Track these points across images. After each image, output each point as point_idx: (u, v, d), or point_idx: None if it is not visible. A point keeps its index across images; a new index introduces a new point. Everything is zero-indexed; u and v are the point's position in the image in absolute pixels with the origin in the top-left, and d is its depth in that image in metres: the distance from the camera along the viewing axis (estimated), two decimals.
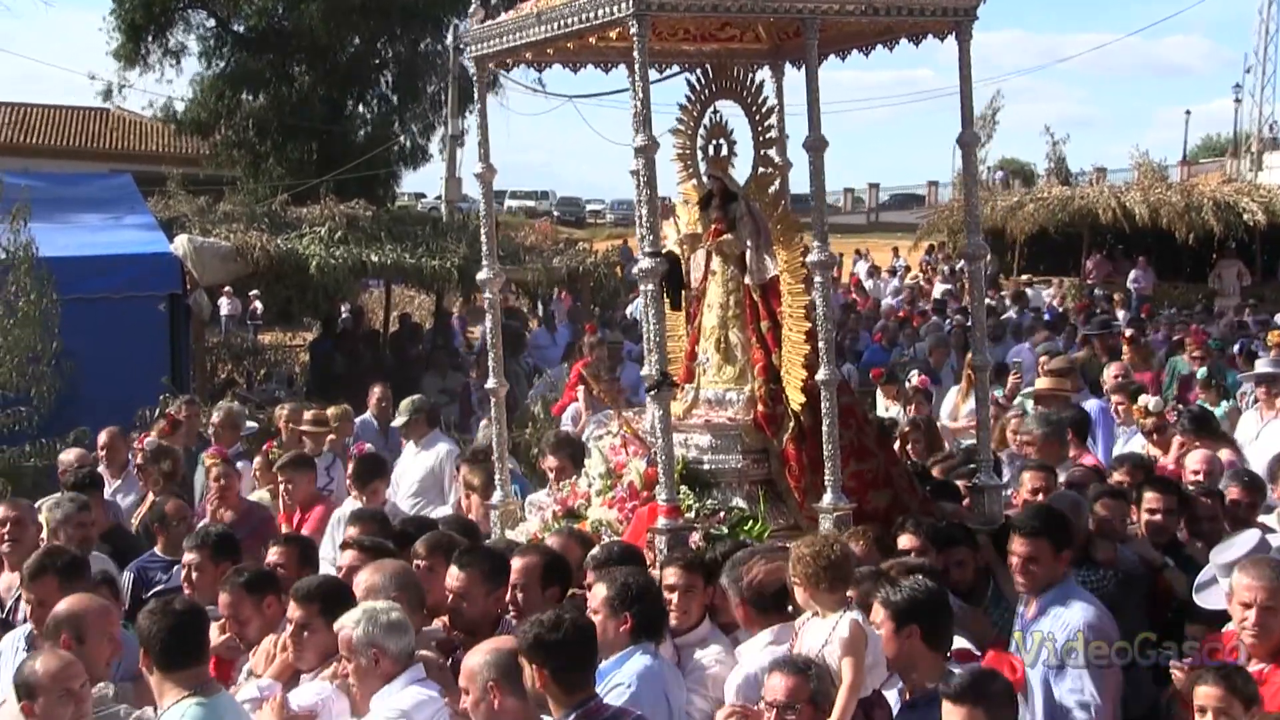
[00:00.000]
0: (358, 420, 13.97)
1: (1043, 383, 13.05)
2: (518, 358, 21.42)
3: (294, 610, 6.54)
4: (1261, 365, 13.69)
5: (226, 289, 27.48)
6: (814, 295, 8.10)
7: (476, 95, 9.65)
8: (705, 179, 8.91)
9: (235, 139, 38.50)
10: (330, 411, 13.38)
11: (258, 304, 31.97)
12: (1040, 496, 8.62)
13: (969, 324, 11.30)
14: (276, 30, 38.06)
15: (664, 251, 8.13)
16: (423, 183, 60.34)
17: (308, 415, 13.08)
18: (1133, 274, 30.95)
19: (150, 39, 38.54)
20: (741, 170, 8.92)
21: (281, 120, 37.90)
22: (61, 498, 9.43)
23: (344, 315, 25.85)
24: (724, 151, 8.85)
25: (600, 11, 7.69)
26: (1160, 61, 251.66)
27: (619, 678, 6.23)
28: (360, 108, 39.67)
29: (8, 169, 19.13)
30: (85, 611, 6.74)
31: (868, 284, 36.14)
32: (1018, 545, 6.94)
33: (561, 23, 8.07)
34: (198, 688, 5.92)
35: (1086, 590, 7.23)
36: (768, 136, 8.82)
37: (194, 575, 7.84)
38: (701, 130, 8.95)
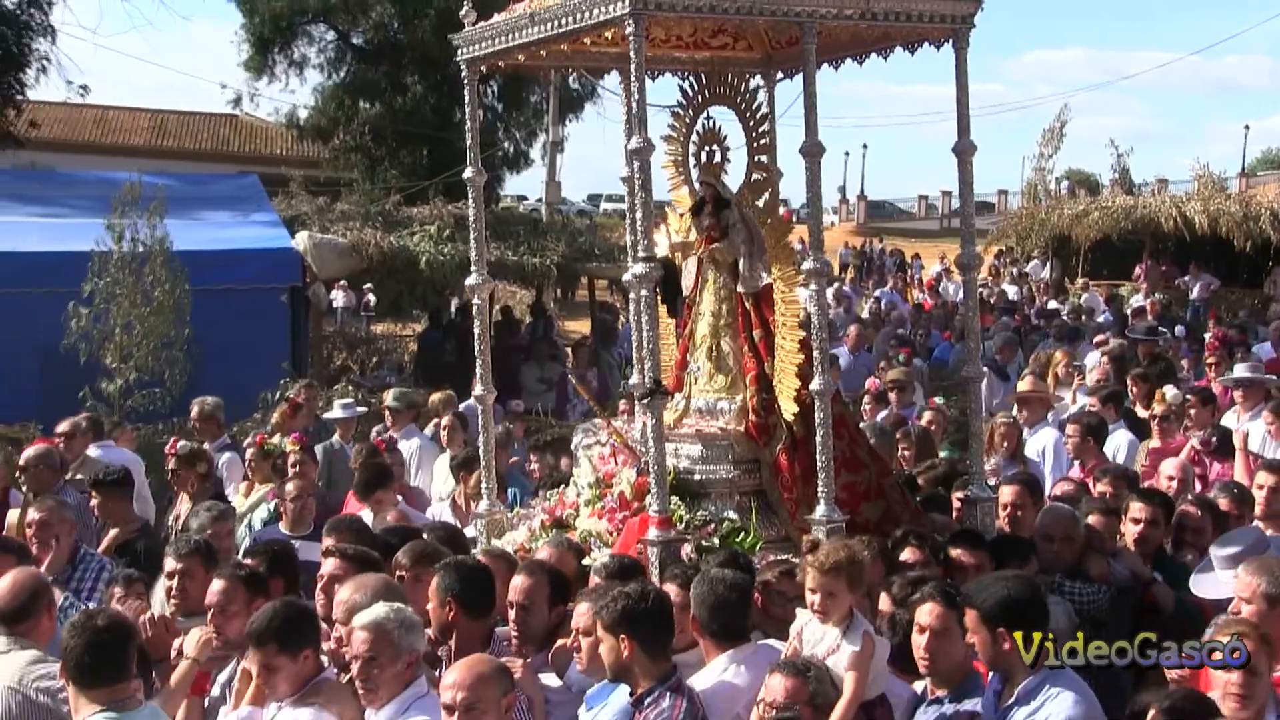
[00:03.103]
0: (461, 405, 14.02)
1: (1022, 385, 12.60)
2: (610, 349, 21.43)
3: (253, 655, 5.81)
4: (1239, 370, 13.22)
5: (342, 282, 27.68)
6: (809, 303, 7.54)
7: (467, 99, 8.69)
8: (698, 186, 8.18)
9: (353, 144, 38.79)
10: (435, 397, 13.46)
11: (371, 296, 32.17)
12: (1020, 513, 7.96)
13: (1037, 323, 11.01)
14: (392, 44, 38.27)
15: (659, 257, 7.53)
16: (525, 185, 60.59)
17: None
18: (1199, 281, 30.31)
19: (277, 51, 38.98)
20: (733, 178, 8.21)
21: (395, 127, 38.12)
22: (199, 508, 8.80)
23: (453, 308, 25.98)
24: (717, 158, 8.12)
25: (595, 11, 6.99)
26: (1220, 78, 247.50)
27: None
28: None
29: (146, 170, 19.33)
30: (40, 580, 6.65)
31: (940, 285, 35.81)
32: (972, 623, 5.72)
33: (556, 23, 7.36)
34: (113, 704, 5.44)
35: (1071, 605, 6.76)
36: (762, 143, 8.08)
37: (185, 583, 6.95)
38: (694, 137, 8.24)
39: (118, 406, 14.58)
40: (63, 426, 11.63)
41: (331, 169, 39.17)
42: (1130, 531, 7.77)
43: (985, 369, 15.89)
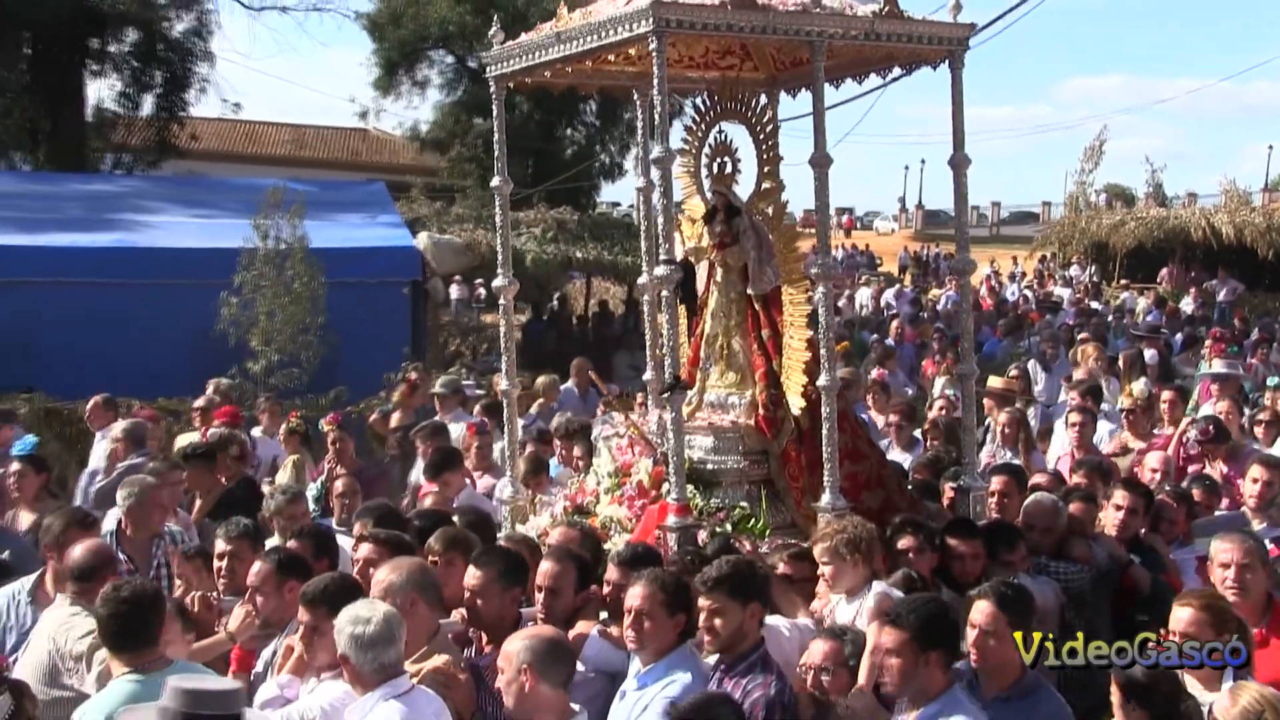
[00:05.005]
0: (561, 388, 14.07)
1: (995, 382, 12.19)
2: None
3: (303, 613, 5.54)
4: (1217, 365, 12.79)
5: (457, 277, 27.85)
6: (817, 303, 7.15)
7: (495, 113, 8.34)
8: (709, 195, 7.83)
9: (467, 155, 38.87)
10: (539, 380, 13.50)
11: (482, 290, 32.36)
12: (1007, 500, 7.75)
13: (1079, 321, 10.67)
14: None
15: (679, 260, 7.18)
16: (619, 193, 60.31)
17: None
18: (1226, 285, 29.69)
19: (402, 73, 39.19)
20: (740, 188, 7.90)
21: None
22: (276, 490, 8.58)
23: (554, 302, 26.05)
24: (729, 169, 7.80)
25: (620, 30, 6.76)
26: (1249, 103, 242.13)
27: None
28: (569, 131, 39.83)
29: (287, 177, 19.61)
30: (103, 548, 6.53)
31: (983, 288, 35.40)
32: (886, 638, 5.08)
33: (581, 41, 7.11)
34: (141, 666, 5.32)
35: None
36: (771, 154, 7.74)
37: (234, 564, 6.64)
38: (706, 149, 7.91)
39: (261, 384, 14.80)
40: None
41: (448, 177, 39.34)
42: (1113, 517, 7.62)
43: (1033, 361, 15.88)
